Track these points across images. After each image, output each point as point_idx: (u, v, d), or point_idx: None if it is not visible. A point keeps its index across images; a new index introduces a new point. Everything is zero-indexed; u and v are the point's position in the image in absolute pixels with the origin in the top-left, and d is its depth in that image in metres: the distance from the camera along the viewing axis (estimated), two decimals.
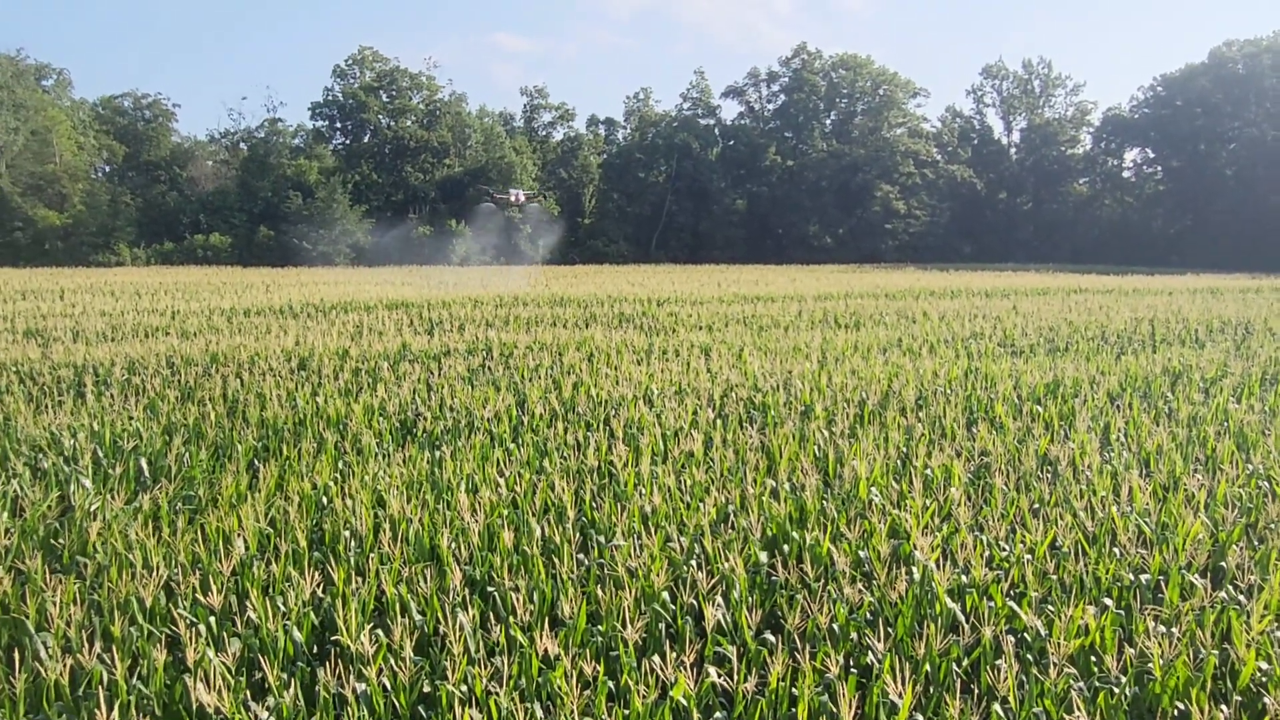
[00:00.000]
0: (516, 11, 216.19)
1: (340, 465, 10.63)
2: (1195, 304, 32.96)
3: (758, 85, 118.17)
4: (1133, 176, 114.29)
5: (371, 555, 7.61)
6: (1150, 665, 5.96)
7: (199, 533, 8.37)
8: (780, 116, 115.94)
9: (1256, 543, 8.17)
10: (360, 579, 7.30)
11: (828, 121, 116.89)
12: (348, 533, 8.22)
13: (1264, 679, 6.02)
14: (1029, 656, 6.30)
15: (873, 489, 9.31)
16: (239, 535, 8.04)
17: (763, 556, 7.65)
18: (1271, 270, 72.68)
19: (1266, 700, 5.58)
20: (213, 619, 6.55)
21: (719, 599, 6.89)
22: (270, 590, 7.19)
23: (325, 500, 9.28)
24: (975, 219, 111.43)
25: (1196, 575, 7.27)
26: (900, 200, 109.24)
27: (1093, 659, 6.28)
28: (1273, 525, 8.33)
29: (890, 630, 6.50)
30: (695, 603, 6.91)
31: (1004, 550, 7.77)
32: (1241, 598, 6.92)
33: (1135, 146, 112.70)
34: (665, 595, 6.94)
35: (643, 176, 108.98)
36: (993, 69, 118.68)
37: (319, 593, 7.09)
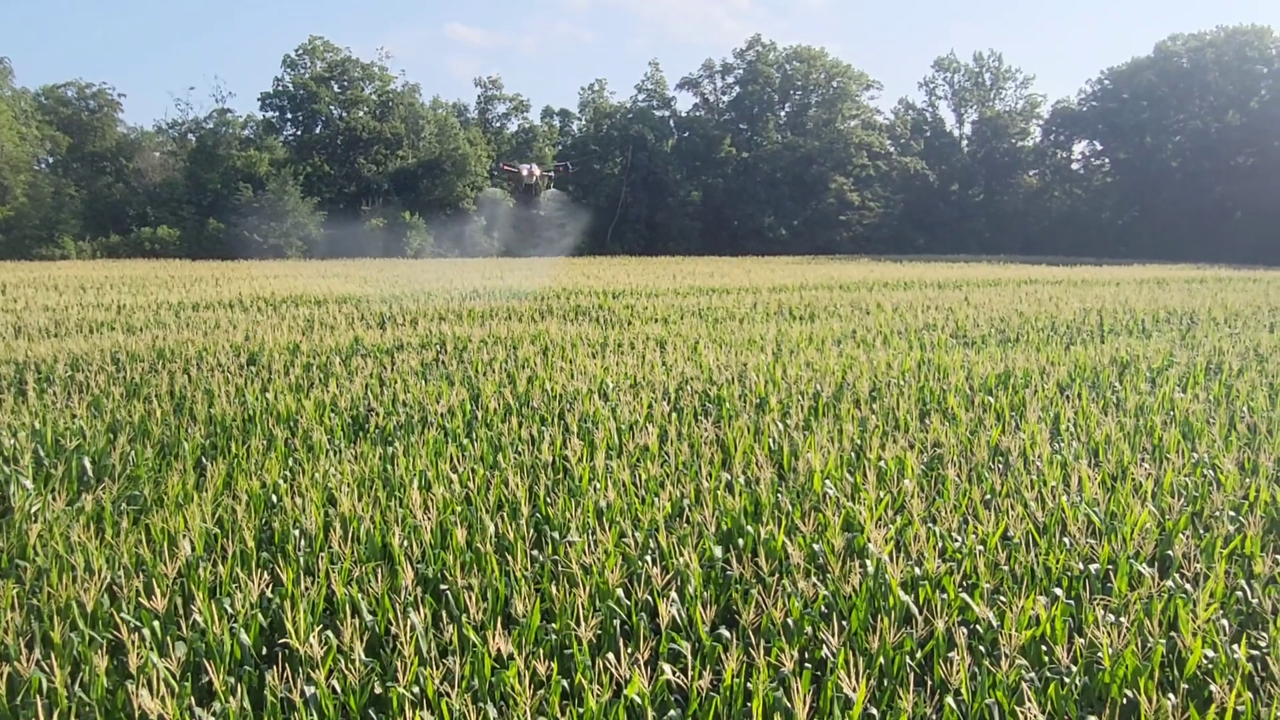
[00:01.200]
0: (471, 2, 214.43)
1: (290, 463, 10.46)
2: (1142, 294, 33.54)
3: (712, 77, 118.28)
4: (1081, 168, 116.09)
5: (322, 555, 7.49)
6: (1100, 655, 6.03)
7: (144, 534, 8.19)
8: (735, 108, 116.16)
9: (1202, 531, 8.31)
10: (310, 579, 7.19)
11: (782, 113, 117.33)
12: (297, 532, 8.09)
13: (1210, 666, 6.11)
14: (981, 648, 6.35)
15: (827, 482, 9.34)
16: (185, 536, 7.86)
17: (717, 551, 7.63)
18: (1216, 260, 74.20)
19: (1212, 688, 5.66)
20: (157, 623, 6.40)
21: (674, 594, 6.86)
22: (217, 592, 7.04)
23: (274, 499, 9.12)
24: (928, 210, 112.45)
25: (1144, 564, 7.37)
26: (854, 192, 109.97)
27: (1044, 649, 6.34)
28: (1217, 514, 8.47)
29: (845, 624, 6.51)
30: (650, 599, 6.88)
31: (956, 541, 7.83)
32: (1188, 586, 7.03)
33: (1084, 139, 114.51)
34: (620, 592, 6.90)
35: (598, 168, 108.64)
36: (944, 62, 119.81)
37: (267, 594, 6.96)
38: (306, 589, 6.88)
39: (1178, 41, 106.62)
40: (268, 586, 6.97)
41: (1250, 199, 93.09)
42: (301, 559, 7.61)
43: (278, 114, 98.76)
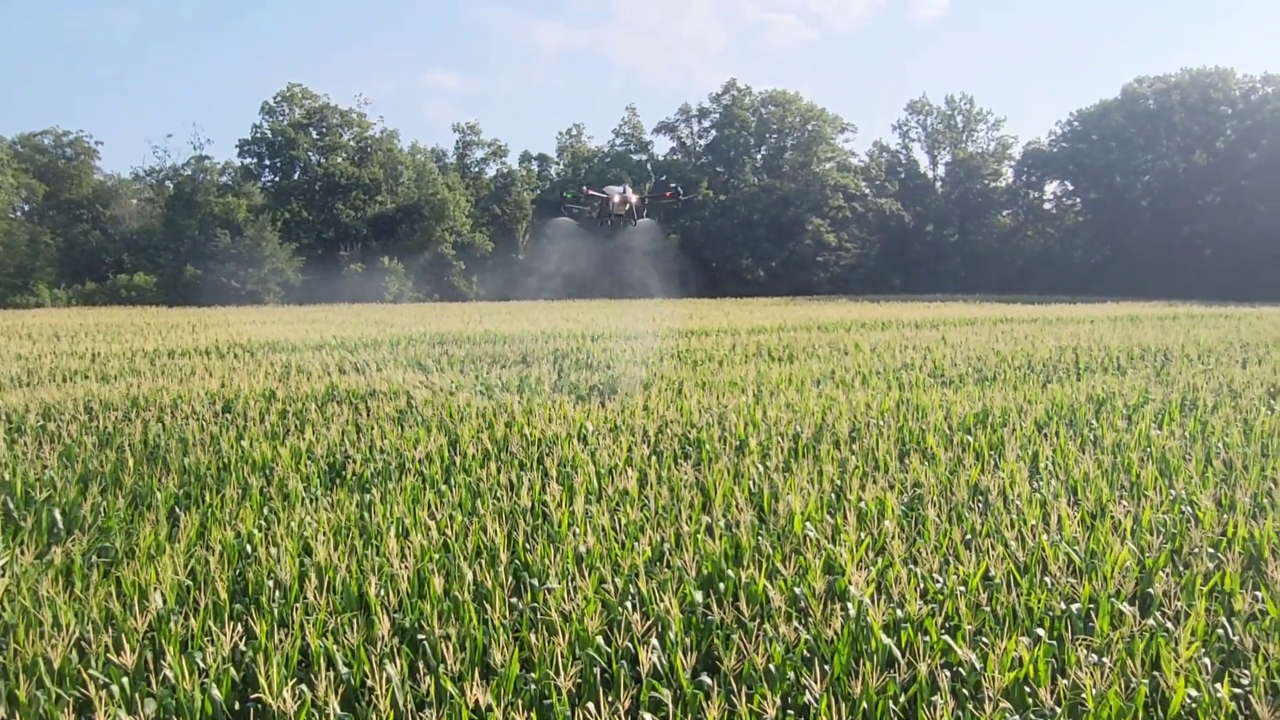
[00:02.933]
0: (449, 49, 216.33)
1: (265, 512, 10.32)
2: (1116, 332, 33.83)
3: (689, 121, 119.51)
4: (1053, 208, 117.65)
5: (296, 605, 7.38)
6: (1083, 696, 5.99)
7: (114, 587, 8.03)
8: (712, 151, 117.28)
9: (1181, 568, 8.31)
10: (284, 631, 7.05)
11: (758, 156, 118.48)
12: (271, 582, 7.96)
13: (1193, 706, 6.08)
14: (964, 691, 6.30)
15: (807, 524, 9.30)
16: (156, 588, 7.72)
17: (698, 596, 7.57)
18: (1187, 297, 75.02)
19: None
20: (126, 679, 6.26)
21: (654, 641, 6.79)
22: (189, 646, 6.91)
23: (249, 549, 8.99)
24: (904, 251, 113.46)
25: (1125, 603, 7.35)
26: (831, 233, 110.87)
27: (1027, 691, 6.29)
28: (1196, 551, 8.48)
29: (827, 668, 6.45)
30: (631, 646, 6.80)
31: (938, 582, 7.79)
32: (1169, 625, 7.01)
33: (1055, 179, 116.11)
34: (600, 639, 6.82)
35: (555, 215, 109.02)
36: (917, 105, 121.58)
37: (240, 647, 6.83)
38: (280, 641, 6.76)
39: (1144, 84, 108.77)
40: (241, 639, 6.84)
41: (1218, 237, 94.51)
42: (276, 610, 7.48)
43: (256, 160, 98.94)
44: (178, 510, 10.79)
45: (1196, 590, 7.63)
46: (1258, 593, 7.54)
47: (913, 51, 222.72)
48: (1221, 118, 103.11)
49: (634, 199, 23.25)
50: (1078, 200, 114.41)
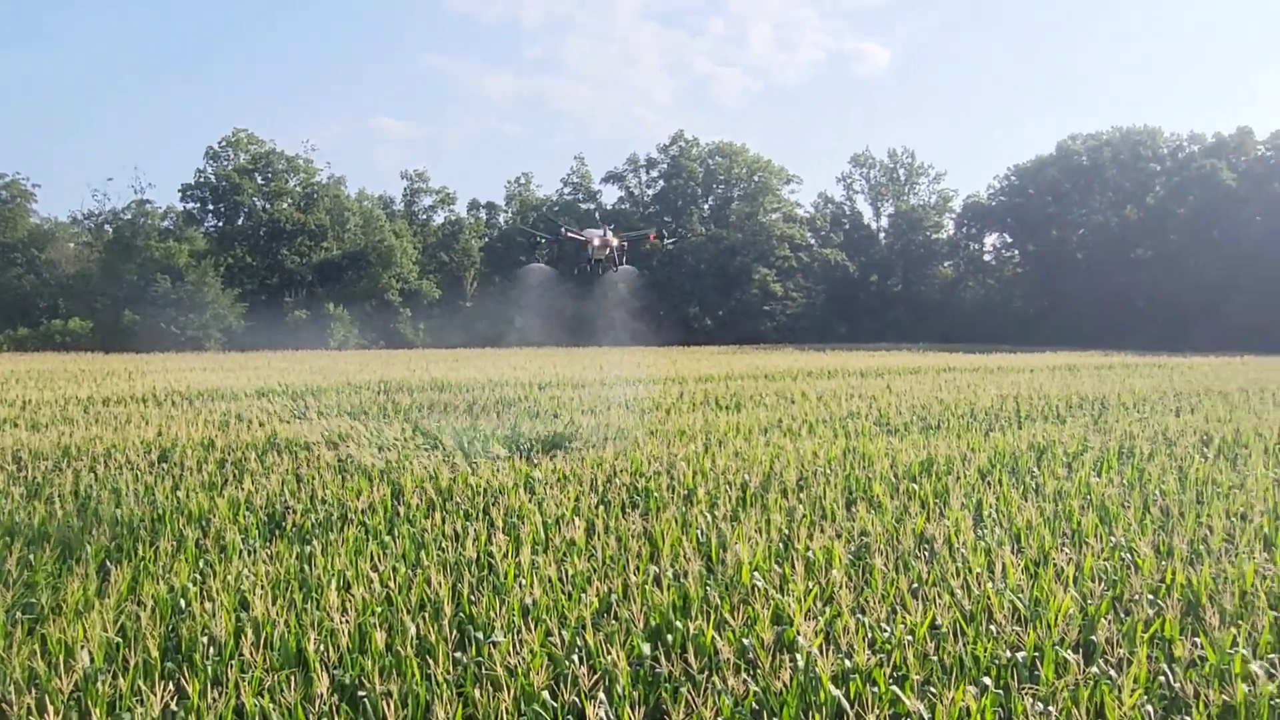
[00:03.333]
0: (399, 96, 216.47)
1: (201, 565, 10.03)
2: (1055, 381, 34.48)
3: (637, 171, 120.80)
4: (993, 260, 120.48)
5: (232, 663, 7.15)
6: None
7: (39, 645, 7.72)
8: (660, 201, 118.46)
9: (1123, 615, 8.39)
10: (218, 690, 6.82)
11: (706, 206, 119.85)
12: (205, 639, 7.71)
13: None
14: None
15: (755, 574, 9.26)
16: (84, 646, 7.44)
17: (646, 648, 7.47)
18: (1122, 347, 76.87)
19: None
20: None
21: (601, 695, 6.68)
22: (116, 707, 6.66)
23: (183, 604, 8.72)
24: (849, 300, 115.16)
25: (1069, 651, 7.39)
26: (777, 283, 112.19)
27: None
28: (1136, 597, 8.58)
29: None
30: (577, 700, 6.68)
31: (885, 632, 7.78)
32: (1113, 672, 7.06)
33: (994, 231, 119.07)
34: (545, 694, 6.69)
35: (524, 259, 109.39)
36: (861, 158, 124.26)
37: (172, 707, 6.59)
38: (214, 701, 6.54)
39: (1077, 140, 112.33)
40: (172, 698, 6.60)
41: (1150, 288, 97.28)
42: (210, 668, 7.24)
43: (199, 205, 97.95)
44: (109, 564, 10.45)
45: (1138, 637, 7.70)
46: (1196, 639, 7.64)
47: (856, 105, 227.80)
48: (1151, 174, 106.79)
49: (615, 243, 21.82)
50: (1016, 252, 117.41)
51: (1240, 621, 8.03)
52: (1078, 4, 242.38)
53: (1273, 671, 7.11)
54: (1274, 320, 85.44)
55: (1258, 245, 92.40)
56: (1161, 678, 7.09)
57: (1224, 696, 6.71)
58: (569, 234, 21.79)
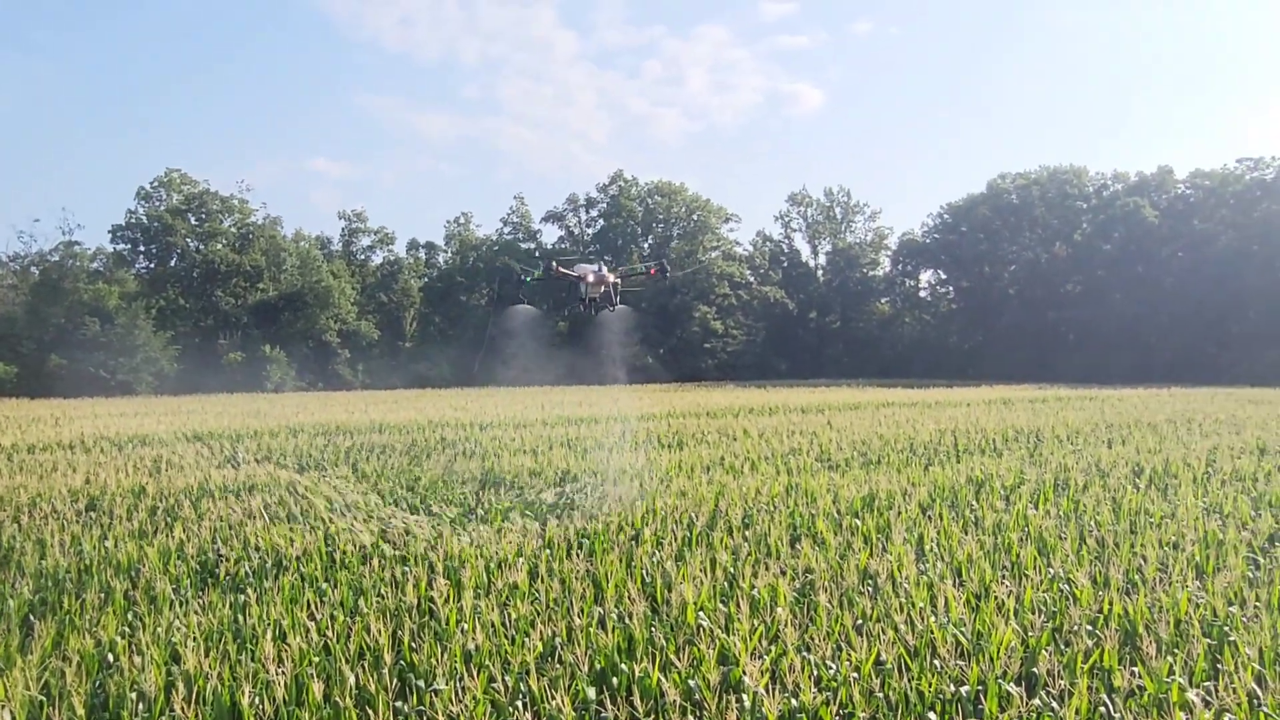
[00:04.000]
0: (334, 136, 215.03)
1: (130, 617, 9.70)
2: (991, 415, 35.09)
3: (576, 210, 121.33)
4: (929, 296, 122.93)
5: (162, 719, 6.90)
6: None
7: None
8: (599, 240, 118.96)
9: (1063, 646, 8.49)
10: None
11: (645, 245, 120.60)
12: (134, 694, 7.44)
13: None
14: None
15: (701, 613, 9.21)
16: (4, 706, 7.13)
17: (591, 693, 7.37)
18: (1054, 380, 78.66)
19: None
20: None
21: None
22: None
23: (111, 658, 8.41)
24: (789, 337, 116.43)
25: (1012, 684, 7.45)
26: (717, 320, 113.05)
27: None
28: (1076, 628, 8.69)
29: None
30: None
31: (831, 669, 7.77)
32: (1054, 704, 7.12)
33: (929, 268, 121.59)
34: None
35: (464, 299, 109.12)
36: (798, 196, 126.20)
37: None
38: None
39: (1007, 179, 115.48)
40: None
41: (1080, 323, 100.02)
42: None
43: (130, 246, 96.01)
44: (32, 618, 10.05)
45: (1078, 668, 7.79)
46: (1135, 668, 7.74)
47: (792, 145, 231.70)
48: (1078, 212, 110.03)
49: (610, 279, 20.30)
50: (951, 288, 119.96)
51: (1176, 650, 8.17)
52: (1005, 47, 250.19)
53: (1209, 699, 7.23)
54: (1197, 353, 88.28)
55: (1179, 281, 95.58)
56: (1102, 708, 7.18)
57: None
58: (560, 271, 20.18)
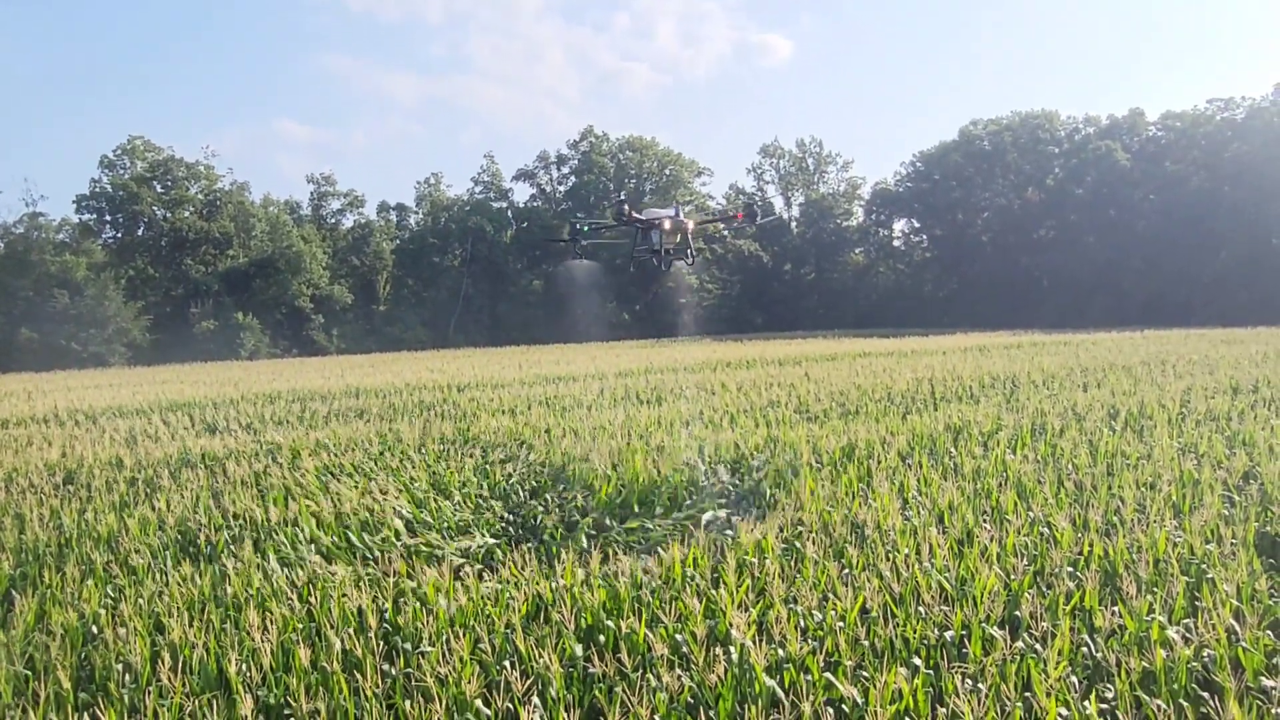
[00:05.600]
0: (299, 99, 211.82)
1: (111, 589, 9.63)
2: (967, 362, 35.28)
3: (548, 168, 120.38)
4: (903, 245, 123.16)
5: (149, 689, 6.87)
6: None
7: None
8: (572, 197, 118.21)
9: (1045, 589, 8.57)
10: (135, 719, 6.54)
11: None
12: (120, 666, 7.40)
13: None
14: None
15: (687, 568, 9.24)
16: None
17: (578, 649, 7.39)
18: (1029, 326, 79.24)
19: None
20: None
21: (535, 700, 6.58)
22: None
23: (94, 630, 8.35)
24: (764, 290, 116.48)
25: (995, 627, 7.53)
26: (693, 275, 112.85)
27: None
28: (1057, 571, 8.78)
29: (712, 714, 6.37)
30: (511, 706, 6.57)
31: (817, 619, 7.82)
32: (1038, 646, 7.20)
33: (902, 217, 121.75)
34: (479, 702, 6.56)
35: (437, 261, 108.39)
36: (770, 148, 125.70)
37: None
38: None
39: (979, 125, 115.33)
40: None
41: (1053, 268, 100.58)
42: (126, 697, 6.95)
43: (95, 216, 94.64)
44: (14, 593, 9.97)
45: (1060, 610, 7.88)
46: (1116, 608, 7.84)
47: (762, 97, 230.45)
48: (1050, 157, 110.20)
49: (689, 225, 17.05)
50: (924, 237, 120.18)
51: (1155, 589, 8.28)
52: None
53: (1188, 636, 7.34)
54: (1169, 294, 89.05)
55: (1151, 223, 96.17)
56: (1084, 648, 7.27)
57: (1144, 663, 6.90)
58: (635, 217, 17.09)
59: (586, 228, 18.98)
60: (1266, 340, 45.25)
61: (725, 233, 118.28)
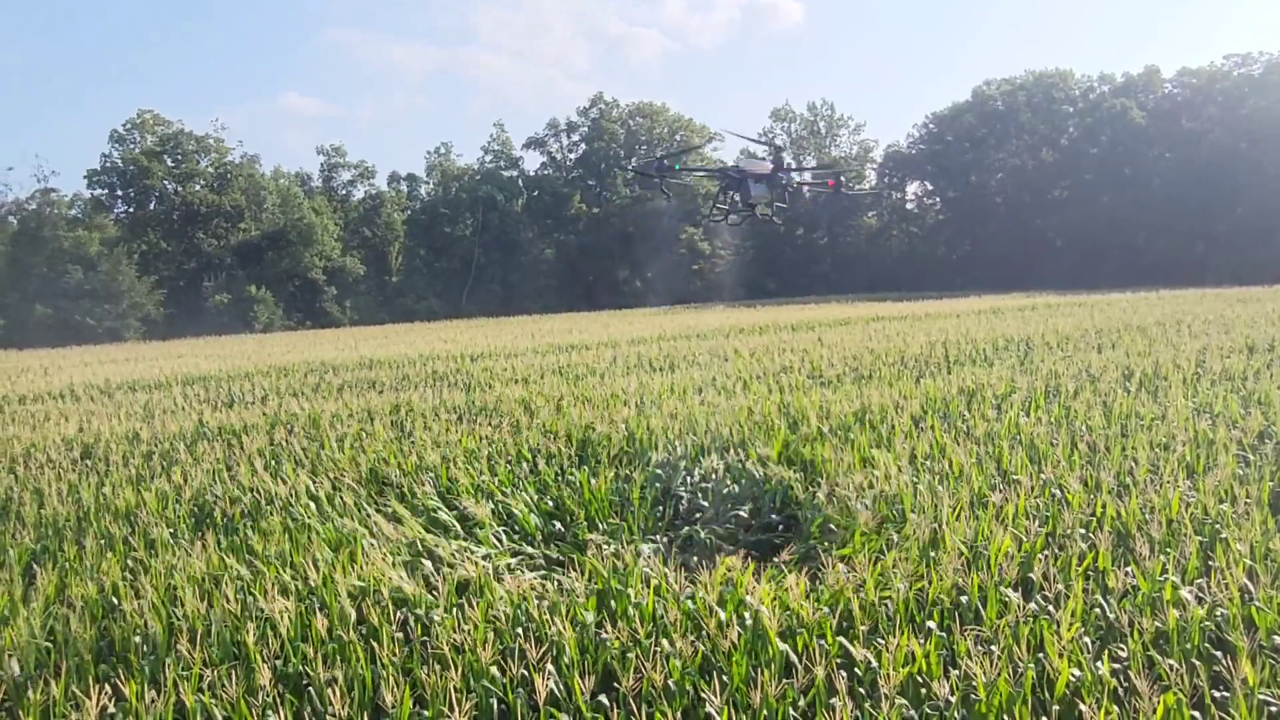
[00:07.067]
0: (307, 72, 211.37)
1: (130, 562, 9.74)
2: (981, 324, 35.13)
3: (558, 135, 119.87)
4: (915, 208, 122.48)
5: (168, 661, 6.95)
6: (975, 685, 6.09)
7: None
8: (582, 165, 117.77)
9: (1058, 551, 8.57)
10: (156, 691, 6.63)
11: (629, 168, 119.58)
12: (139, 638, 7.49)
13: (1077, 685, 6.26)
14: (861, 690, 6.34)
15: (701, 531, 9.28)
16: (11, 655, 7.18)
17: (589, 617, 7.44)
18: (1043, 287, 78.78)
19: (1082, 708, 5.79)
20: None
21: (549, 667, 6.64)
22: (50, 715, 6.43)
23: (114, 602, 8.45)
24: (777, 255, 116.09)
25: (1009, 589, 7.54)
26: (705, 241, 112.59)
27: (921, 686, 6.37)
28: (1069, 532, 8.78)
29: (726, 680, 6.41)
30: (526, 673, 6.62)
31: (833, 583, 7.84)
32: (1050, 608, 7.21)
33: (915, 180, 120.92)
34: (494, 669, 6.62)
35: (449, 231, 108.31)
36: (781, 112, 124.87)
37: (110, 709, 6.39)
38: (152, 702, 6.34)
39: (992, 86, 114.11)
40: (111, 701, 6.39)
41: (1067, 228, 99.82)
42: (146, 668, 7.04)
43: (107, 191, 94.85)
44: (34, 566, 10.09)
45: (1073, 571, 7.88)
46: (1128, 569, 7.84)
47: (773, 61, 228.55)
48: (1064, 116, 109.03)
49: (787, 185, 15.68)
50: (937, 199, 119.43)
51: (1169, 549, 8.26)
52: None
53: (1201, 596, 7.33)
54: (1185, 254, 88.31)
55: (1167, 182, 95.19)
56: (1097, 609, 7.27)
57: (1156, 623, 6.91)
58: (746, 169, 15.97)
59: (678, 165, 18.12)
60: None
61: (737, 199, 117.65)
